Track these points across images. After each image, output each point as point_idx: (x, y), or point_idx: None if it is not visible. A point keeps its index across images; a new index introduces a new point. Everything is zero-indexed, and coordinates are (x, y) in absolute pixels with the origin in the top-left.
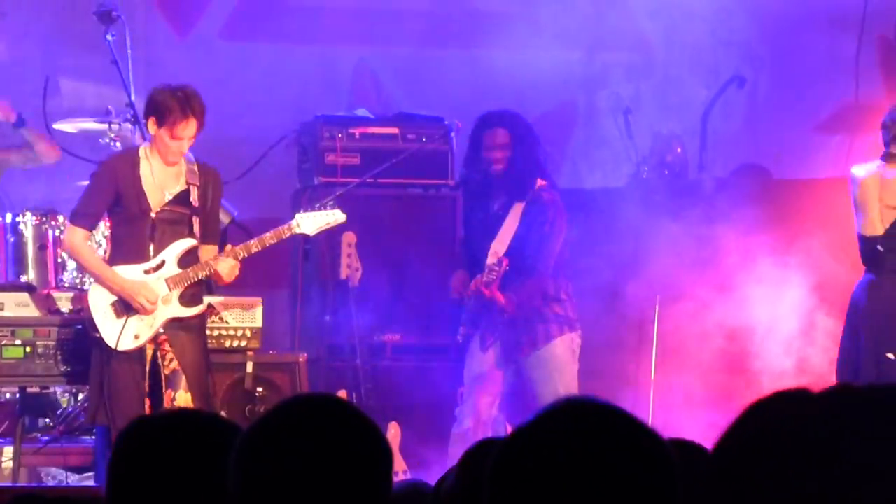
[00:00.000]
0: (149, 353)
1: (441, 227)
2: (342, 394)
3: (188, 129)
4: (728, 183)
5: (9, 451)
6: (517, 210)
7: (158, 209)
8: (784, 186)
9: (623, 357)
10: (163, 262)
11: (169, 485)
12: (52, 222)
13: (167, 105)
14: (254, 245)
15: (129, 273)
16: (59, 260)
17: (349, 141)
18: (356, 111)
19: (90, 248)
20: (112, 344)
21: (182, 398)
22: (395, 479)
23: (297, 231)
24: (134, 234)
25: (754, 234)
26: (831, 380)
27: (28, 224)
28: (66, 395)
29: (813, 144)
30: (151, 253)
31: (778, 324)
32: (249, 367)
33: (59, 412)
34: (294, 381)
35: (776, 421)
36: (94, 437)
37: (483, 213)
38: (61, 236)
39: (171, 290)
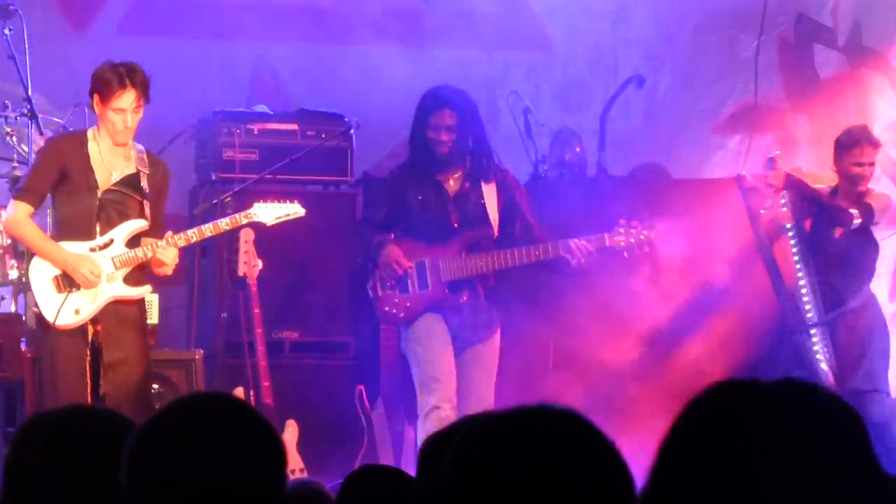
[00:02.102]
0: (90, 331)
1: (340, 224)
2: (239, 391)
3: (127, 99)
4: (626, 182)
5: None
6: (490, 190)
7: (106, 188)
8: (682, 186)
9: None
10: (110, 241)
11: (66, 482)
12: None
13: (106, 78)
14: (208, 229)
15: (73, 248)
16: None
17: (247, 137)
18: (255, 107)
19: (32, 223)
20: (51, 319)
21: (117, 395)
22: (292, 477)
23: (255, 219)
24: (80, 213)
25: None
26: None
27: None
28: None
29: (711, 144)
30: (98, 231)
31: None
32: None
33: None
34: (190, 378)
35: (723, 411)
36: None
37: (434, 192)
38: None
39: (116, 269)
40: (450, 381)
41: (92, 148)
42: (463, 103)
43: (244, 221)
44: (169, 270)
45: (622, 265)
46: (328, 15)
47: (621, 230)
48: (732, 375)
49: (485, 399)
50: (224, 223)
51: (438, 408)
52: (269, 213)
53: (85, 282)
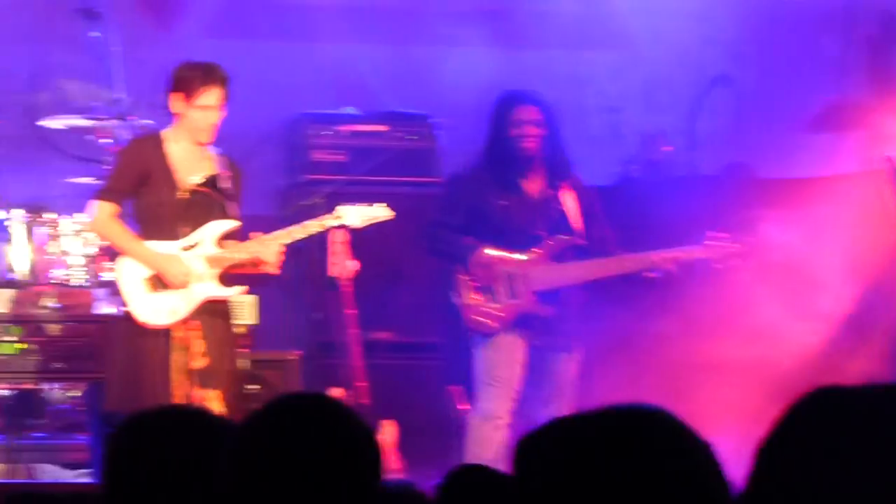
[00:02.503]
0: (178, 336)
1: None
2: (335, 392)
3: (212, 96)
4: (715, 182)
5: (2, 448)
6: (569, 197)
7: (189, 188)
8: (770, 185)
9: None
10: (199, 241)
11: (163, 481)
12: (41, 219)
13: (189, 76)
14: (299, 231)
15: (163, 248)
16: (48, 257)
17: (336, 138)
18: (343, 109)
19: (118, 222)
20: (147, 319)
21: (214, 398)
22: (389, 477)
23: (343, 222)
24: (163, 213)
25: (741, 234)
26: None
27: (17, 221)
28: (60, 391)
29: (799, 143)
30: (183, 232)
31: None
32: (244, 365)
33: (52, 409)
34: (287, 378)
35: (826, 417)
36: (88, 434)
37: (516, 197)
38: (50, 233)
39: (209, 269)
40: (514, 392)
41: (170, 149)
42: (545, 101)
43: (333, 223)
44: (273, 269)
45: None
46: (415, 16)
47: (712, 242)
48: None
49: (568, 397)
50: (313, 226)
51: (495, 417)
52: (357, 215)
53: (175, 282)
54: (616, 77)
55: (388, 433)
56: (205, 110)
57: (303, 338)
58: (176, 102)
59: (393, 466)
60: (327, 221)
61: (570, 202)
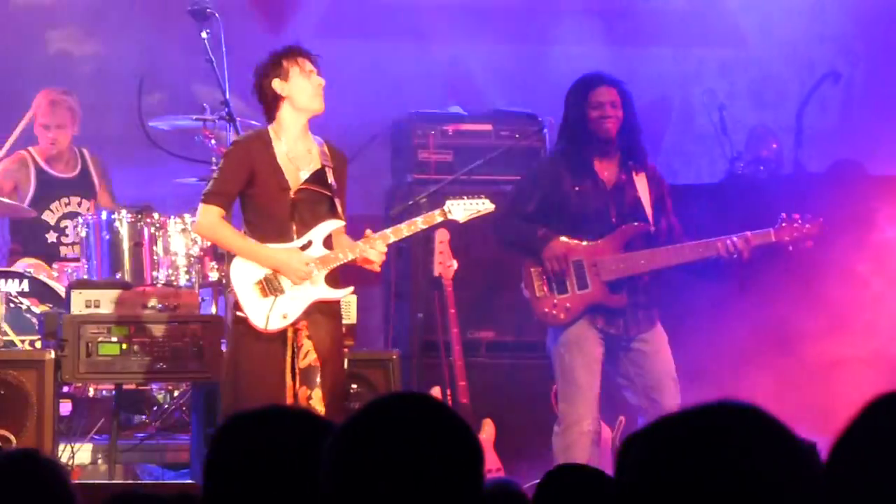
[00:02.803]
0: (289, 337)
1: None
2: (436, 391)
3: (304, 64)
4: (824, 179)
5: (105, 448)
6: (641, 182)
7: (297, 188)
8: (881, 182)
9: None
10: (310, 242)
11: (264, 481)
12: (148, 219)
13: (273, 60)
14: (405, 228)
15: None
16: (155, 257)
17: (442, 138)
18: (449, 108)
19: (228, 225)
20: (261, 324)
21: (317, 397)
22: (488, 476)
23: (450, 217)
24: (274, 214)
25: (850, 232)
26: None
27: (123, 221)
28: (163, 391)
29: None
30: (294, 233)
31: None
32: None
33: (155, 409)
34: (388, 378)
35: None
36: (190, 435)
37: (591, 182)
38: (156, 233)
39: (318, 271)
40: (593, 394)
41: (277, 147)
42: (623, 83)
43: (439, 219)
44: (376, 267)
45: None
46: (521, 15)
47: (784, 224)
48: None
49: (669, 385)
50: (420, 222)
51: (579, 422)
52: (462, 210)
53: (297, 276)
54: (725, 74)
55: (487, 432)
56: (307, 76)
57: (404, 337)
58: (278, 86)
59: (492, 465)
60: (434, 217)
61: (643, 188)
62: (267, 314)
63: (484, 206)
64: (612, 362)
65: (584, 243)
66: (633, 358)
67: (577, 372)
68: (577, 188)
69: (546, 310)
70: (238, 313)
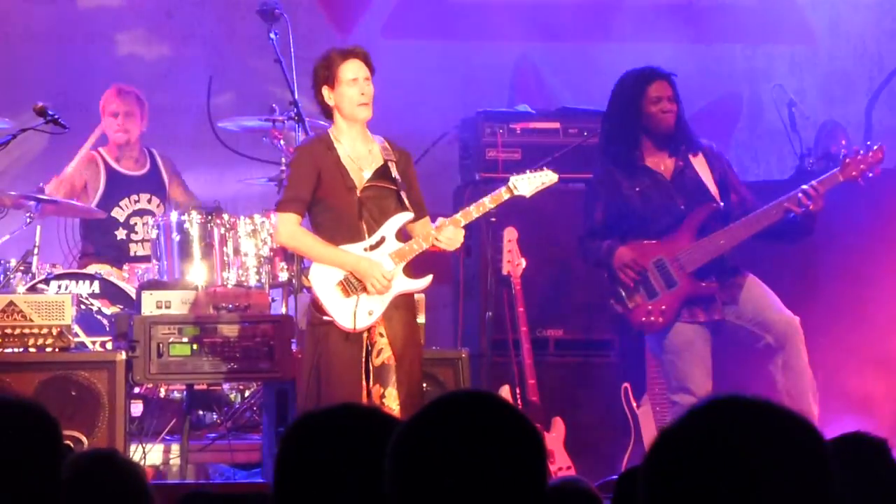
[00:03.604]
0: (364, 337)
1: None
2: (505, 390)
3: (353, 66)
4: (893, 174)
5: (176, 448)
6: (700, 163)
7: (363, 186)
8: None
9: None
10: (383, 239)
11: (335, 481)
12: (217, 220)
13: (324, 63)
14: (474, 210)
15: (350, 250)
16: (225, 258)
17: (510, 136)
18: (517, 106)
19: (308, 232)
20: (349, 325)
21: (392, 395)
22: (558, 474)
23: (516, 193)
24: (343, 215)
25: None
26: None
27: (193, 222)
28: (234, 391)
29: None
30: (365, 231)
31: None
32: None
33: (226, 409)
34: (457, 376)
35: None
36: (261, 434)
37: (649, 179)
38: (226, 234)
39: (395, 265)
40: (705, 391)
41: (339, 149)
42: (673, 74)
43: (506, 196)
44: (452, 247)
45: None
46: (589, 12)
47: (848, 161)
48: None
49: (781, 311)
50: (487, 201)
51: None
52: (527, 184)
53: (378, 287)
54: (794, 70)
55: (557, 430)
56: (352, 85)
57: (474, 335)
58: (326, 95)
59: (562, 463)
60: (501, 195)
61: (703, 169)
62: (353, 313)
63: (548, 177)
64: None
65: (657, 241)
66: (738, 312)
67: (694, 380)
68: (637, 189)
69: (643, 319)
70: (323, 317)
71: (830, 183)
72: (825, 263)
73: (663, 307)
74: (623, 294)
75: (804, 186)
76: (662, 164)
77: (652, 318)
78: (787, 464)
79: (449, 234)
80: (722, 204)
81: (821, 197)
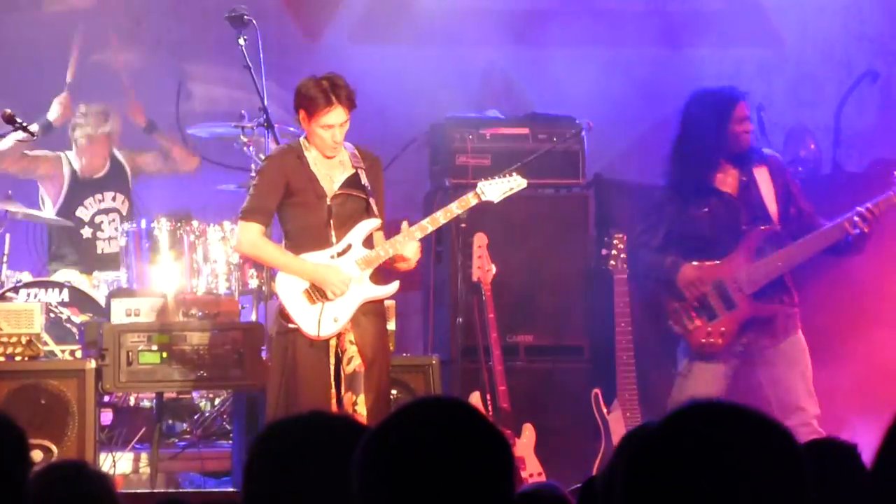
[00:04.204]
0: (332, 344)
1: (573, 227)
2: (476, 396)
3: (334, 116)
4: (862, 178)
5: (146, 456)
6: (762, 175)
7: (333, 194)
8: None
9: None
10: (349, 246)
11: (303, 488)
12: (187, 227)
13: (311, 95)
14: (441, 216)
15: (317, 259)
16: (195, 265)
17: (480, 142)
18: (487, 112)
19: (269, 241)
20: (313, 332)
21: (362, 402)
22: (530, 480)
23: (484, 198)
24: (312, 223)
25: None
26: None
27: (163, 230)
28: (204, 399)
29: None
30: (333, 238)
31: None
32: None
33: (196, 417)
34: (428, 383)
35: None
36: (231, 442)
37: (716, 199)
38: (196, 241)
39: (362, 271)
40: None
41: (310, 157)
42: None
43: (473, 202)
44: (412, 264)
45: None
46: (557, 18)
47: None
48: None
49: (804, 397)
50: (454, 207)
51: None
52: (495, 189)
53: (336, 292)
54: (762, 74)
55: (528, 436)
56: (327, 129)
57: (444, 342)
58: (301, 118)
59: (533, 470)
60: (468, 200)
61: (765, 182)
62: (318, 320)
63: (516, 182)
64: (750, 368)
65: (717, 262)
66: (769, 368)
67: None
68: (705, 209)
69: (703, 340)
70: (289, 325)
71: (886, 205)
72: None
73: (723, 329)
74: (683, 315)
75: (860, 209)
76: (728, 179)
77: (711, 340)
78: (765, 466)
79: (413, 248)
80: (780, 227)
81: (876, 220)
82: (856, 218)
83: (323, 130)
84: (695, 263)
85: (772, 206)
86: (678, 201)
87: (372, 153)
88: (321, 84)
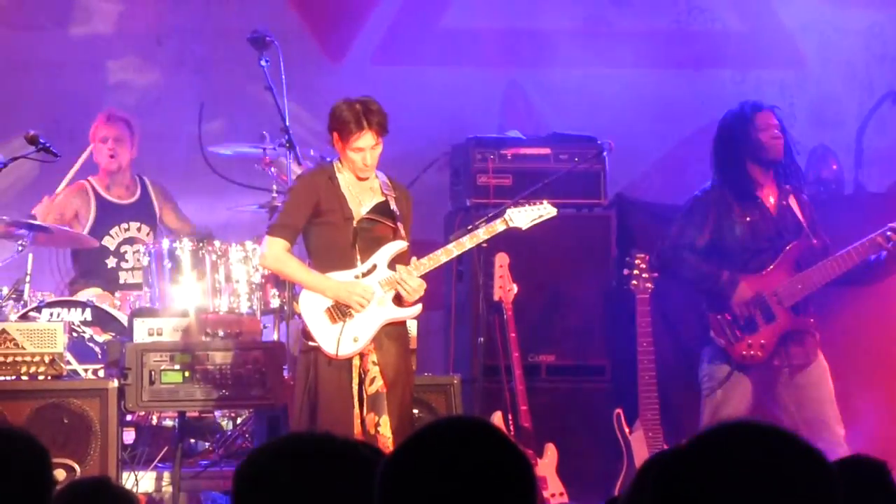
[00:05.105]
0: (355, 364)
1: (594, 247)
2: (497, 416)
3: (365, 140)
4: (884, 199)
5: (168, 475)
6: (793, 203)
7: (360, 218)
8: None
9: None
10: (374, 266)
11: None
12: (209, 247)
13: (344, 118)
14: (468, 240)
15: (340, 278)
16: (217, 285)
17: (501, 162)
18: (508, 132)
19: (293, 257)
20: (332, 350)
21: (386, 423)
22: (552, 500)
23: (511, 225)
24: (338, 243)
25: None
26: None
27: (185, 249)
28: (226, 418)
29: None
30: (358, 259)
31: None
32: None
33: (218, 436)
34: (449, 402)
35: None
36: None
37: (758, 211)
38: (218, 261)
39: (385, 293)
40: None
41: (341, 180)
42: (777, 108)
43: (500, 228)
44: (411, 298)
45: None
46: (580, 37)
47: None
48: None
49: (831, 420)
50: (481, 233)
51: None
52: (524, 217)
53: (356, 307)
54: (784, 95)
55: (550, 456)
56: (358, 153)
57: (466, 361)
58: (334, 139)
59: (555, 490)
60: (496, 226)
61: (796, 209)
62: (338, 339)
63: (546, 210)
64: (769, 391)
65: (759, 274)
66: (795, 391)
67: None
68: (748, 218)
69: (743, 352)
70: (309, 342)
71: None
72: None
73: (763, 342)
74: (725, 326)
75: (893, 224)
76: (770, 197)
77: (752, 352)
78: (798, 486)
79: (414, 285)
80: (815, 241)
81: None
82: (889, 233)
83: (354, 153)
84: (748, 277)
85: (807, 226)
86: (724, 203)
87: (403, 185)
88: (354, 108)
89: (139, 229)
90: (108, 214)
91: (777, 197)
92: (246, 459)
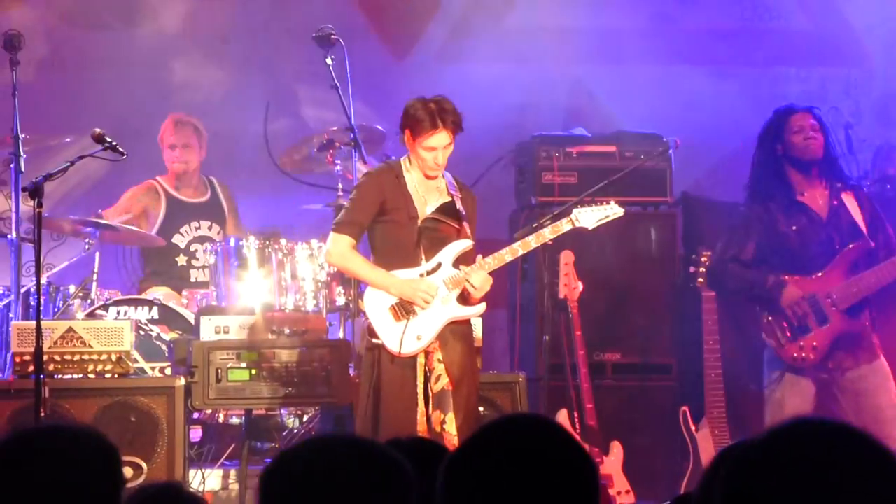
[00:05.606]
0: (420, 362)
1: (660, 245)
2: (562, 414)
3: (438, 139)
4: None
5: (235, 473)
6: (850, 200)
7: (424, 217)
8: None
9: None
10: (439, 265)
11: None
12: (275, 245)
13: (418, 116)
14: (533, 240)
15: (404, 275)
16: (283, 283)
17: (566, 160)
18: (573, 130)
19: (358, 254)
20: (395, 348)
21: (451, 421)
22: (618, 498)
23: (578, 225)
24: (402, 241)
25: None
26: None
27: (251, 247)
28: (292, 416)
29: None
30: (422, 258)
31: None
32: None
33: (284, 434)
34: (514, 400)
35: None
36: None
37: (806, 218)
38: (284, 259)
39: (449, 291)
40: None
41: (408, 179)
42: (816, 108)
43: (566, 228)
44: (477, 295)
45: None
46: (644, 36)
47: None
48: None
49: (891, 424)
50: (547, 232)
51: None
52: (590, 216)
53: (421, 303)
54: (850, 93)
55: (616, 454)
56: (430, 151)
57: (531, 359)
58: (406, 137)
59: (621, 487)
60: (561, 226)
61: (854, 208)
62: (401, 337)
63: (613, 210)
64: (828, 393)
65: (812, 277)
66: (853, 397)
67: (787, 413)
68: (794, 227)
69: (795, 354)
70: (373, 340)
71: None
72: None
73: (815, 344)
74: (776, 328)
75: None
76: (817, 200)
77: (804, 355)
78: (870, 486)
79: (478, 280)
80: (873, 244)
81: None
82: None
83: (426, 152)
84: (796, 278)
85: (864, 229)
86: (768, 217)
87: (469, 188)
88: (429, 106)
89: (210, 228)
90: (179, 212)
91: (827, 197)
92: (273, 461)
